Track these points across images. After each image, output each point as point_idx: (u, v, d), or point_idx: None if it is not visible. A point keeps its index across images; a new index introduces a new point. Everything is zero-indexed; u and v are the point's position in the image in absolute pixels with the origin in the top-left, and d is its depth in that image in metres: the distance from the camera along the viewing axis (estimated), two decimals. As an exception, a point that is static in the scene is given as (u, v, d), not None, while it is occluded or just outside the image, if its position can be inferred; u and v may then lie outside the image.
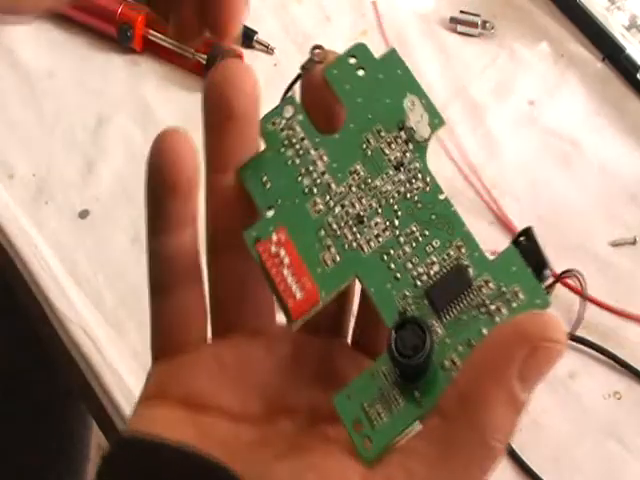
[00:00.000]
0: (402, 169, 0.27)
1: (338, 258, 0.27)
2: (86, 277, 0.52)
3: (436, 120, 0.27)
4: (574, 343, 0.50)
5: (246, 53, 0.60)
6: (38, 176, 0.56)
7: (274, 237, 0.27)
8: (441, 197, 0.27)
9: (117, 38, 0.60)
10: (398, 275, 0.26)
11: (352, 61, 0.28)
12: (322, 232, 0.27)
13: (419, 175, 0.27)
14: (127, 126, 0.58)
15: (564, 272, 0.45)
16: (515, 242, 0.27)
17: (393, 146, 0.27)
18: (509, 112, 0.60)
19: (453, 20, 0.64)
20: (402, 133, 0.27)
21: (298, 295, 0.26)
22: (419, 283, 0.26)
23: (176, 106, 0.59)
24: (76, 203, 0.55)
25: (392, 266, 0.26)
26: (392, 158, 0.27)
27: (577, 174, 0.58)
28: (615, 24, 0.63)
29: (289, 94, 0.28)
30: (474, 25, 0.63)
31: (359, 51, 0.29)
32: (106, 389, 0.49)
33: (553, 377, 0.50)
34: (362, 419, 0.25)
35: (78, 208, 0.55)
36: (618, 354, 0.50)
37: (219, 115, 0.27)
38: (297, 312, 0.26)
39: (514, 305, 0.25)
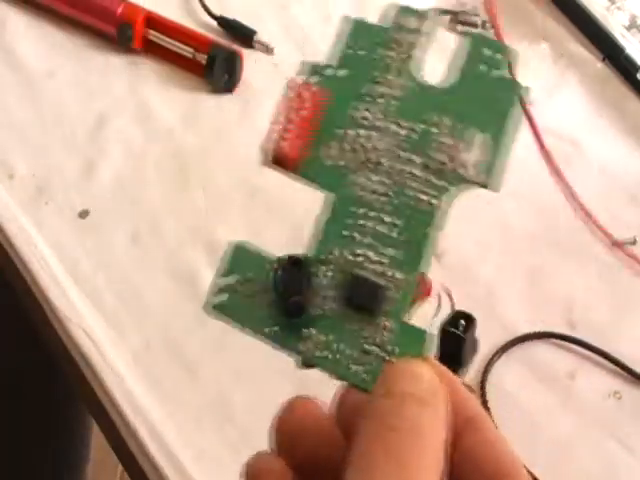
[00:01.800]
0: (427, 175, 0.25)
1: (339, 162, 0.25)
2: (86, 277, 0.52)
3: (491, 180, 0.26)
4: (574, 344, 0.50)
5: (246, 53, 0.60)
6: (38, 176, 0.56)
7: (313, 88, 0.25)
8: (428, 229, 0.25)
9: (117, 38, 0.60)
10: (355, 235, 0.25)
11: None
12: (346, 131, 0.25)
13: (433, 201, 0.25)
14: (127, 126, 0.58)
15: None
16: (448, 326, 0.26)
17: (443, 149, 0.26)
18: (509, 112, 0.60)
19: (453, 20, 0.63)
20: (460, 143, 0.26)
21: (285, 146, 0.25)
22: (358, 260, 0.25)
23: (176, 106, 0.59)
24: (76, 203, 0.55)
25: (361, 210, 0.25)
26: (435, 160, 0.26)
27: (577, 174, 0.58)
28: (615, 24, 0.63)
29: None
30: (474, 25, 0.63)
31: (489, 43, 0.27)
32: (106, 389, 0.48)
33: (553, 377, 0.50)
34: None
35: (78, 208, 0.55)
36: (618, 355, 0.50)
37: None
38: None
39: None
